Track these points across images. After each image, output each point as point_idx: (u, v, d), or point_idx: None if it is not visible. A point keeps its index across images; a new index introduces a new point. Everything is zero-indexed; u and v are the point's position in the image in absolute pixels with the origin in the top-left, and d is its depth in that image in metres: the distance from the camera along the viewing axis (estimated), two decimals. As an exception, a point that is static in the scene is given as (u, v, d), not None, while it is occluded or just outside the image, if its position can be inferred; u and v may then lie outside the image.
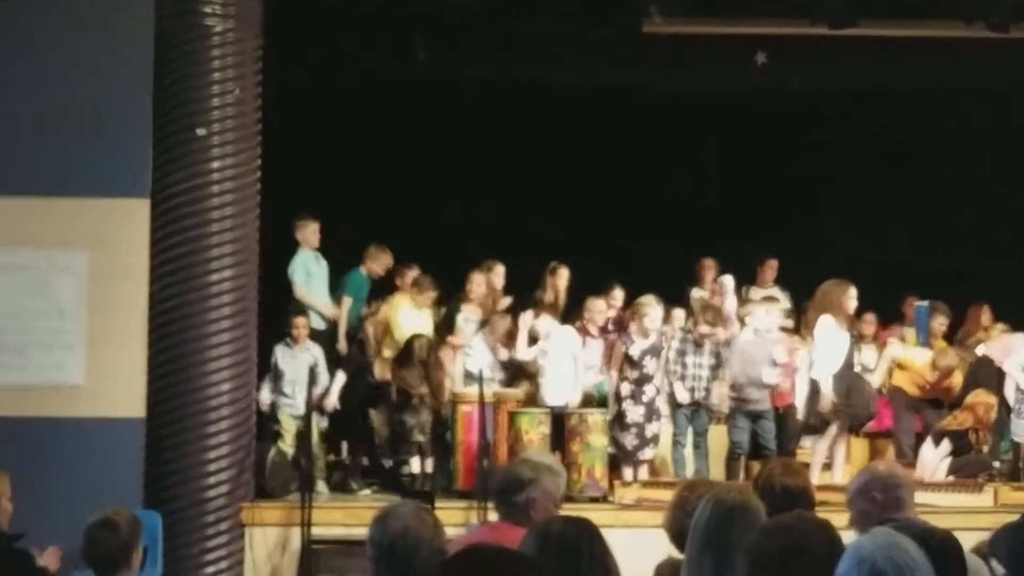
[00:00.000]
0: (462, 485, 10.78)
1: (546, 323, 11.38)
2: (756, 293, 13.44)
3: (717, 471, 11.36)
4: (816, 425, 11.10)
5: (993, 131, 14.52)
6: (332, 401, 11.28)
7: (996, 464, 11.76)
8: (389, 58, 13.45)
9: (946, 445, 11.20)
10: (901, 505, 5.05)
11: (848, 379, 11.02)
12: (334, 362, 11.58)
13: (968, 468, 11.19)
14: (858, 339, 12.27)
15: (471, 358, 11.38)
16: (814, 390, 11.04)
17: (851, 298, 10.96)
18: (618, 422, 11.04)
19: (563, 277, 12.25)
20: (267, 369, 11.13)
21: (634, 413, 11.06)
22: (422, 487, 10.79)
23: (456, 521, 9.37)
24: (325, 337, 11.80)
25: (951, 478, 11.10)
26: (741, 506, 4.48)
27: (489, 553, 2.82)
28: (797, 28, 12.69)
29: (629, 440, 11.02)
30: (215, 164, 10.17)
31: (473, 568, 2.63)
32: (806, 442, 11.48)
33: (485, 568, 2.62)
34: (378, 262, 12.06)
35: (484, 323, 11.83)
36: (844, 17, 11.94)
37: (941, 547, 4.01)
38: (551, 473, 5.37)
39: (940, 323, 12.66)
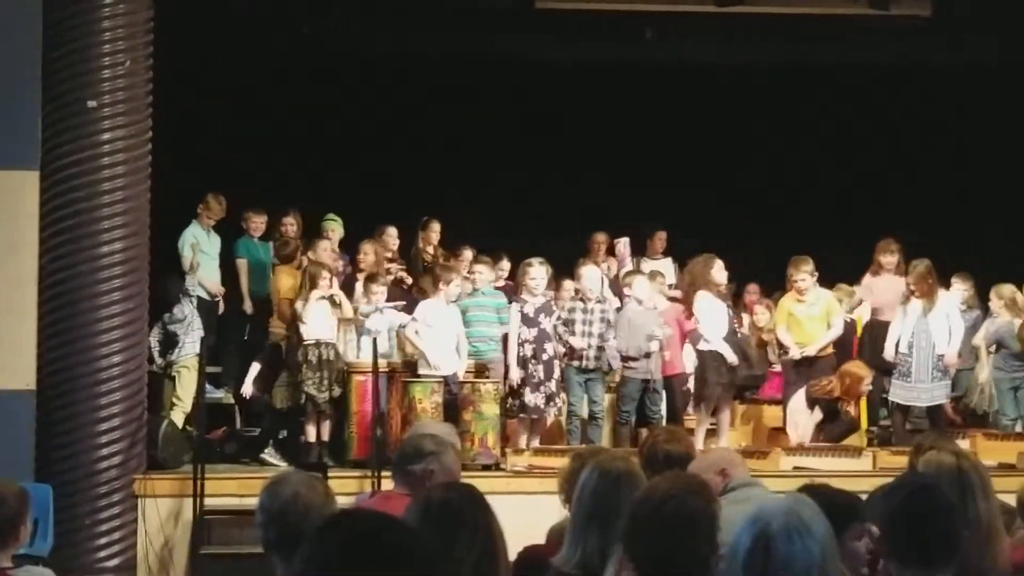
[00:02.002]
0: (356, 454, 10.84)
1: (426, 305, 11.41)
2: (646, 264, 13.64)
3: (606, 441, 11.52)
4: (700, 391, 11.37)
5: (874, 105, 14.84)
6: (247, 389, 11.34)
7: (874, 428, 12.08)
8: (282, 30, 13.41)
9: (818, 412, 11.46)
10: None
11: (737, 345, 11.31)
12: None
13: (831, 431, 11.47)
14: (742, 308, 12.55)
15: (364, 328, 11.42)
16: (709, 360, 11.30)
17: (718, 271, 11.25)
18: (523, 383, 11.16)
19: (435, 231, 12.83)
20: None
21: (536, 371, 11.20)
22: (319, 457, 10.84)
23: (350, 490, 9.43)
24: (213, 306, 11.89)
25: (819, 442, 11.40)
26: (626, 474, 4.59)
27: (363, 518, 2.82)
28: (685, 5, 12.86)
29: (535, 399, 11.16)
30: (106, 136, 10.10)
31: (345, 532, 2.66)
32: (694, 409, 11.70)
33: (358, 533, 2.65)
34: (210, 211, 12.14)
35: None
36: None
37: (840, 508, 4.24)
38: (453, 451, 5.43)
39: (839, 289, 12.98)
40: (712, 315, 11.34)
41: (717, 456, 5.03)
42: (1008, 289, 12.12)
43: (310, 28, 13.23)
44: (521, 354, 11.24)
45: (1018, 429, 11.67)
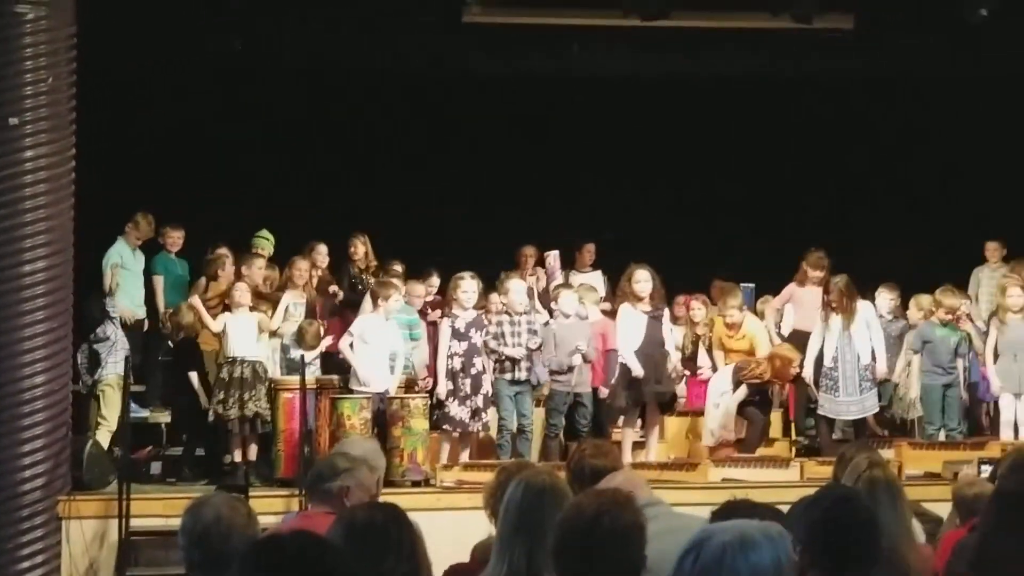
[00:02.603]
0: (284, 473, 10.78)
1: (364, 320, 11.38)
2: (575, 277, 13.68)
3: (536, 454, 11.54)
4: (624, 406, 11.40)
5: (798, 116, 14.99)
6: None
7: (801, 438, 12.17)
8: (213, 44, 13.33)
9: (741, 391, 11.50)
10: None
11: (651, 357, 11.32)
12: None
13: (750, 441, 11.54)
14: (675, 320, 12.60)
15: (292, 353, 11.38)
16: (621, 372, 11.36)
17: (637, 281, 11.32)
18: (450, 397, 11.16)
19: (321, 254, 12.71)
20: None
21: (464, 385, 11.19)
22: (245, 477, 10.77)
23: (277, 509, 9.37)
24: (138, 325, 11.84)
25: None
26: (551, 489, 4.59)
27: (292, 539, 2.83)
28: (611, 20, 12.93)
29: (461, 413, 11.15)
30: (28, 154, 9.98)
31: (274, 554, 2.67)
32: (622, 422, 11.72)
33: (286, 555, 2.65)
34: (138, 230, 12.06)
35: (311, 308, 11.92)
36: (656, 9, 12.19)
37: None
38: (367, 466, 5.42)
39: (764, 301, 13.09)
40: (628, 327, 11.37)
41: (622, 479, 5.07)
42: (927, 299, 12.28)
43: (241, 43, 13.14)
44: (450, 367, 11.23)
45: (942, 438, 11.79)
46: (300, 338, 11.54)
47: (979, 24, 12.10)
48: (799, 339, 12.11)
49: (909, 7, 13.03)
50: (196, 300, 11.55)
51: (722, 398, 11.58)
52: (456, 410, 11.16)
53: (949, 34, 13.17)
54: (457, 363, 11.24)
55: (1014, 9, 12.16)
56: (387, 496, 8.86)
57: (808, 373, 11.75)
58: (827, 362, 11.70)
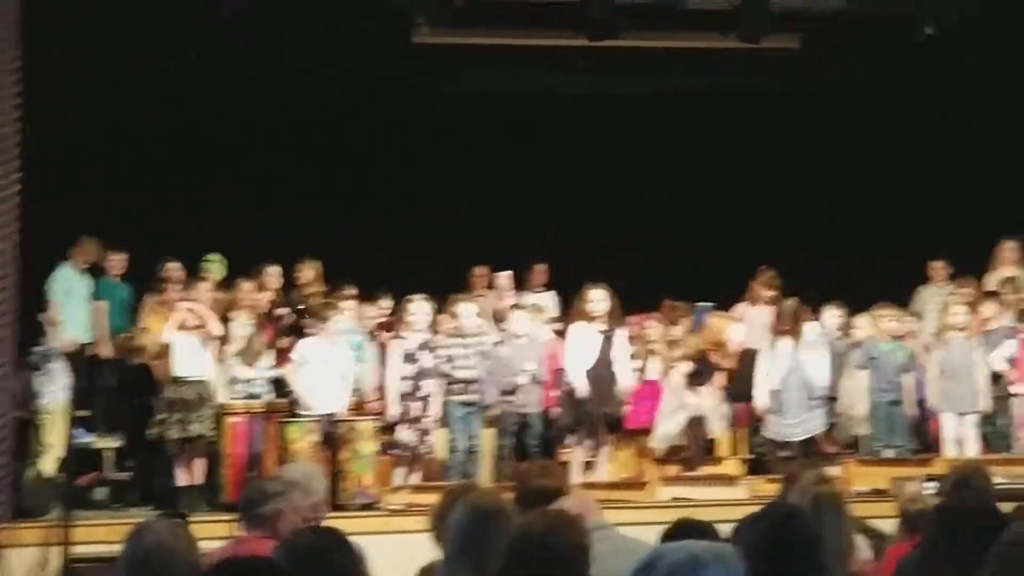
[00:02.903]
0: (230, 497, 10.67)
1: (306, 344, 11.32)
2: (527, 297, 13.67)
3: (487, 475, 11.51)
4: (571, 425, 11.39)
5: (745, 134, 15.06)
6: None
7: (749, 456, 12.19)
8: (155, 67, 13.25)
9: (685, 366, 11.48)
10: None
11: (599, 376, 11.31)
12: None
13: (693, 458, 11.55)
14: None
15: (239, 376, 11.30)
16: (568, 391, 11.35)
17: (590, 301, 11.32)
18: (399, 419, 11.12)
19: (272, 275, 12.61)
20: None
21: (414, 408, 11.16)
22: (190, 503, 10.67)
23: (222, 534, 9.25)
24: (82, 349, 11.72)
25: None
26: (496, 510, 4.60)
27: (244, 564, 2.82)
28: (561, 40, 12.96)
29: (410, 435, 11.11)
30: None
31: None
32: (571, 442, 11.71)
33: None
34: (85, 253, 11.96)
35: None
36: (606, 29, 12.23)
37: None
38: (300, 489, 5.40)
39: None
40: (579, 345, 11.36)
41: (573, 502, 5.08)
42: (868, 318, 12.36)
43: (190, 61, 13.08)
44: (400, 390, 11.19)
45: (890, 455, 11.85)
46: (245, 351, 11.42)
47: (924, 42, 12.21)
48: (748, 358, 12.13)
49: (855, 26, 13.13)
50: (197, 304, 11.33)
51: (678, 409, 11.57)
52: (405, 432, 11.12)
53: (895, 52, 13.28)
54: (407, 386, 11.21)
55: (959, 27, 12.28)
56: (334, 519, 8.79)
57: (763, 401, 11.76)
58: (774, 384, 11.73)
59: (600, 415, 11.34)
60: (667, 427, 11.57)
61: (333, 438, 10.81)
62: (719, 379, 12.12)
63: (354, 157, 14.70)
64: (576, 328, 11.41)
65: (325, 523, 5.65)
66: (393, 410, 11.16)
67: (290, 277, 12.90)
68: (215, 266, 12.51)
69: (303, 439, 10.62)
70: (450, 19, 12.46)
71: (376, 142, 14.76)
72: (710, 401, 11.84)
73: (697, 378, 11.62)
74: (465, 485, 6.66)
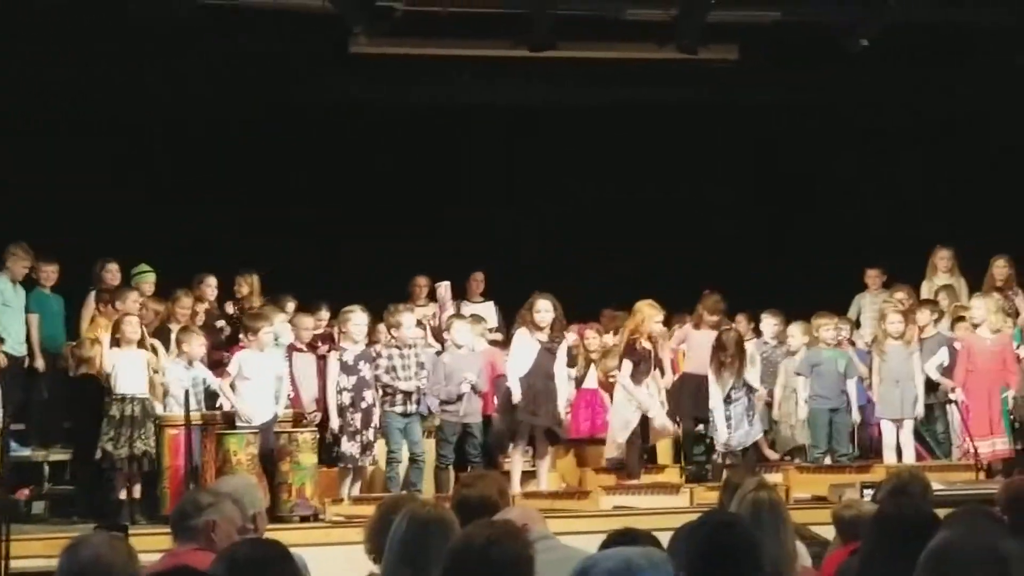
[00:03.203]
0: (169, 510, 10.55)
1: (239, 356, 11.26)
2: (467, 307, 13.67)
3: (428, 484, 11.50)
4: (504, 432, 11.39)
5: (684, 144, 15.13)
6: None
7: (690, 466, 12.24)
8: (86, 75, 13.14)
9: (627, 366, 11.52)
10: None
11: (534, 386, 11.32)
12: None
13: (631, 466, 11.56)
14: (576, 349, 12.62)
15: (174, 379, 11.21)
16: (503, 397, 11.40)
17: (538, 311, 11.32)
18: (340, 431, 11.07)
19: (210, 286, 12.52)
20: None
21: (354, 420, 11.11)
22: (128, 515, 10.59)
23: (163, 547, 9.15)
24: (20, 361, 11.58)
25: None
26: (437, 520, 4.59)
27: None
28: (499, 50, 12.99)
29: (351, 447, 11.07)
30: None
31: None
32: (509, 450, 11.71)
33: None
34: (17, 264, 11.84)
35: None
36: (545, 40, 12.25)
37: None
38: (232, 499, 5.37)
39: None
40: (521, 353, 11.38)
41: (517, 512, 5.08)
42: (804, 326, 12.45)
43: (125, 68, 12.99)
44: (340, 402, 11.15)
45: (828, 462, 11.94)
46: (182, 353, 11.33)
47: (859, 53, 12.33)
48: (692, 382, 12.15)
49: (791, 38, 13.24)
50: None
51: (630, 417, 11.58)
52: (347, 445, 11.08)
53: (830, 63, 13.40)
54: (347, 398, 11.17)
55: (893, 39, 12.40)
56: (275, 531, 8.76)
57: (724, 436, 11.72)
58: (722, 409, 11.81)
59: (537, 425, 11.33)
60: (624, 437, 11.56)
61: (273, 450, 10.76)
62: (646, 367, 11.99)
63: (291, 167, 14.64)
64: (522, 334, 11.42)
65: (265, 535, 5.65)
66: (334, 422, 11.12)
67: (229, 289, 12.83)
68: (146, 276, 12.40)
69: (243, 451, 10.56)
70: (388, 29, 12.44)
71: (314, 152, 14.71)
72: (650, 393, 11.77)
73: (639, 375, 11.59)
74: (400, 496, 6.65)
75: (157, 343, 11.40)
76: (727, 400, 11.72)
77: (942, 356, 12.32)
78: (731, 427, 11.70)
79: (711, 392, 11.79)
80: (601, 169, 15.14)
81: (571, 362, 12.26)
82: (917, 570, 3.14)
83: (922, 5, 11.88)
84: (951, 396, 12.07)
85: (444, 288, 13.56)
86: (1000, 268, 13.05)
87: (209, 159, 14.33)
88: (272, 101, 14.18)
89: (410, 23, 12.58)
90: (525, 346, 11.36)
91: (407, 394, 11.30)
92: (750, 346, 12.25)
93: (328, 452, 11.47)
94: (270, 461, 10.72)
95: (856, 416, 12.27)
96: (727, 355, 11.72)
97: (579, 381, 12.58)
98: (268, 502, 9.83)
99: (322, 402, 11.62)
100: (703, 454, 12.20)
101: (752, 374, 11.91)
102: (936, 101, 14.48)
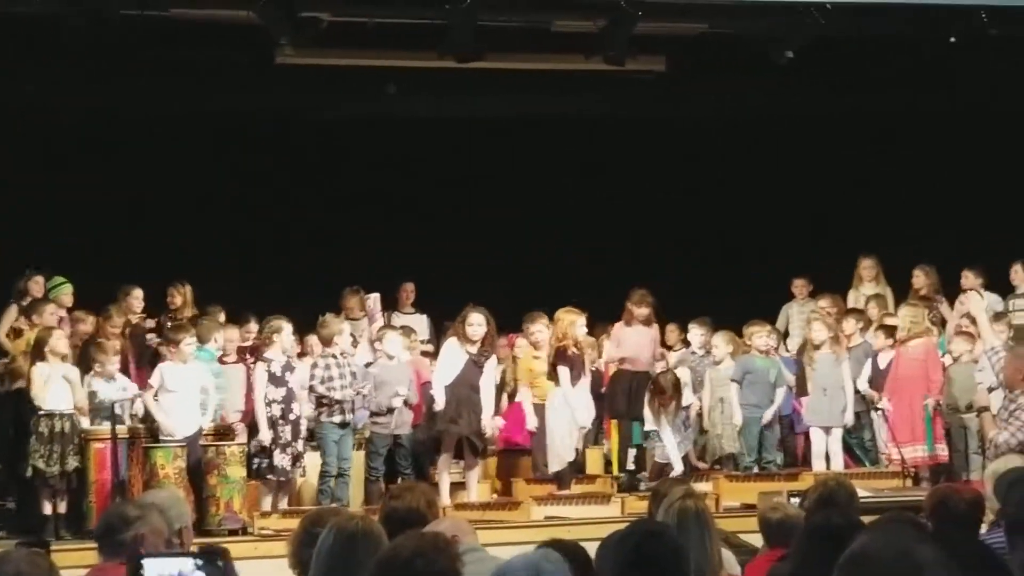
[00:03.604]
0: (95, 525, 10.45)
1: (162, 369, 11.18)
2: (397, 318, 13.64)
3: (355, 497, 11.46)
4: (423, 439, 11.35)
5: (614, 155, 15.19)
6: None
7: (622, 475, 12.26)
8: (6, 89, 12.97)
9: (564, 373, 11.49)
10: None
11: (457, 395, 11.30)
12: None
13: (563, 477, 11.56)
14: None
15: (101, 393, 11.09)
16: (429, 407, 11.38)
17: (470, 324, 11.33)
18: (273, 443, 10.99)
19: (137, 299, 12.47)
20: None
21: (284, 432, 11.05)
22: (55, 530, 10.45)
23: (89, 562, 9.03)
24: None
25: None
26: (363, 533, 4.58)
27: None
28: (425, 61, 12.97)
29: (282, 460, 11.00)
30: None
31: None
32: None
33: None
34: None
35: (124, 356, 11.68)
36: (471, 51, 12.23)
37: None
38: (158, 511, 5.32)
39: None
40: (448, 362, 11.36)
41: (447, 524, 5.08)
42: (728, 336, 12.54)
43: (35, 86, 12.84)
44: (270, 414, 11.08)
45: (758, 470, 12.02)
46: (102, 369, 11.21)
47: (785, 65, 12.42)
48: (625, 379, 12.20)
49: (718, 49, 13.33)
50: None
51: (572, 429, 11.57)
52: (278, 458, 11.00)
53: (757, 75, 13.49)
54: (276, 409, 11.10)
55: (818, 50, 12.50)
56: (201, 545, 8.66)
57: (677, 466, 11.77)
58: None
59: (457, 435, 11.29)
60: (565, 443, 11.53)
61: (201, 463, 10.67)
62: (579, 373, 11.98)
63: (218, 178, 14.54)
64: (452, 343, 11.39)
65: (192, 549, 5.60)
66: (265, 435, 11.04)
67: (162, 301, 12.73)
68: (62, 288, 12.23)
69: (170, 464, 10.48)
70: (314, 40, 12.38)
71: (241, 163, 14.62)
72: (583, 397, 11.78)
73: (573, 380, 11.59)
74: (324, 510, 6.62)
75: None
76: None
77: (871, 365, 12.43)
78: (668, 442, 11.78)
79: (646, 421, 11.84)
80: (529, 180, 15.14)
81: (502, 386, 12.29)
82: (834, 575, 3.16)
83: (845, 17, 11.97)
84: (877, 405, 12.19)
85: (373, 300, 13.51)
86: (917, 278, 13.26)
87: (135, 169, 14.20)
88: (198, 111, 14.06)
89: (336, 34, 12.52)
90: (453, 356, 11.36)
91: (340, 404, 11.24)
92: (676, 356, 12.29)
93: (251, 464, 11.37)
94: (198, 474, 10.63)
95: (778, 426, 12.35)
96: (665, 398, 11.80)
97: (512, 396, 12.57)
98: (195, 516, 9.77)
99: (250, 414, 11.51)
100: (635, 463, 12.19)
101: (685, 392, 11.97)
102: (860, 111, 14.63)
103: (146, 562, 4.40)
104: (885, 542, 3.20)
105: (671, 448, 11.78)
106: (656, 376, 12.00)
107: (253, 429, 11.30)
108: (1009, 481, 4.83)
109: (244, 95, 13.98)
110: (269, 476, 11.00)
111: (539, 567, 3.31)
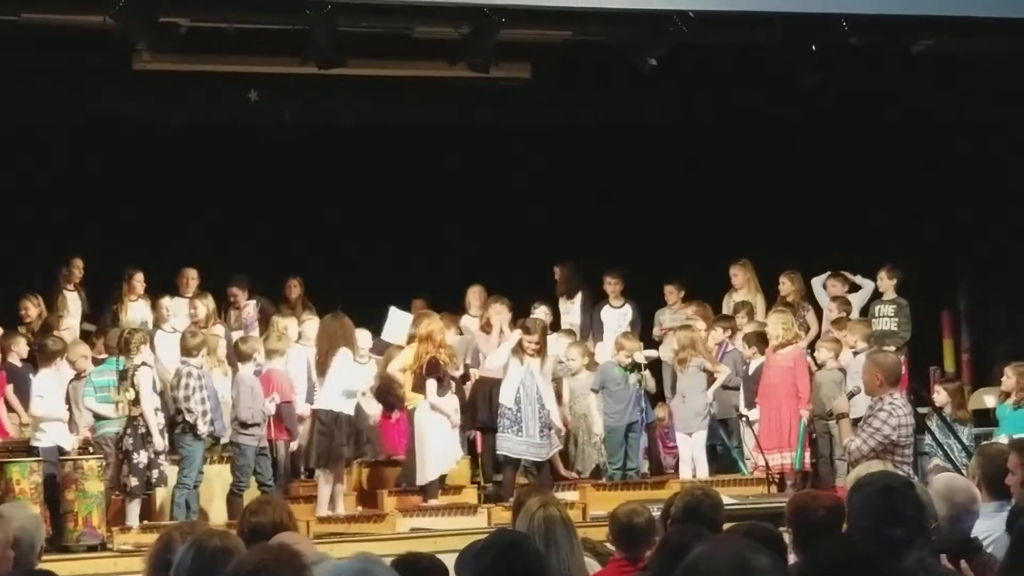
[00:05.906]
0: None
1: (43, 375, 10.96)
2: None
3: (219, 510, 11.27)
4: (320, 454, 11.24)
5: (481, 162, 15.14)
6: None
7: (488, 485, 12.20)
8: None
9: (432, 386, 11.45)
10: None
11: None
12: None
13: (429, 489, 11.49)
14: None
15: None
16: (315, 421, 11.25)
17: (363, 335, 11.25)
18: (126, 460, 10.77)
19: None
20: None
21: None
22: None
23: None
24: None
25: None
26: (222, 549, 4.51)
27: None
28: (287, 67, 12.83)
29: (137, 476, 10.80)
30: None
31: None
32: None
33: None
34: None
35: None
36: (332, 57, 12.10)
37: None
38: (4, 522, 5.17)
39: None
40: (342, 374, 11.23)
41: (287, 538, 5.00)
42: (582, 347, 12.59)
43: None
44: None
45: (623, 478, 12.05)
46: None
47: (648, 72, 12.47)
48: (485, 387, 12.19)
49: (583, 56, 13.36)
50: None
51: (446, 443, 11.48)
52: (128, 474, 10.79)
53: (621, 82, 13.54)
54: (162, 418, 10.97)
55: (680, 58, 12.59)
56: (61, 562, 8.52)
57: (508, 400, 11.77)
58: (508, 402, 11.76)
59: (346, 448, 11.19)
60: (448, 452, 11.44)
61: (56, 478, 10.43)
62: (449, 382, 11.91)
63: (75, 184, 14.23)
64: (342, 356, 11.26)
65: (44, 566, 5.46)
66: (159, 443, 10.81)
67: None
68: None
69: (26, 479, 10.27)
70: (173, 46, 12.15)
71: (98, 169, 14.31)
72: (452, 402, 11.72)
73: (442, 390, 11.51)
74: (183, 524, 6.52)
75: None
76: (518, 403, 11.68)
77: (726, 372, 12.53)
78: (520, 432, 11.68)
79: (510, 377, 11.75)
80: (396, 187, 15.04)
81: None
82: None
83: (709, 26, 12.08)
84: (742, 412, 12.29)
85: (251, 308, 13.32)
86: (783, 284, 13.43)
87: (9, 178, 13.84)
88: (56, 118, 13.74)
89: (195, 40, 12.33)
90: (346, 368, 11.28)
91: (204, 417, 11.04)
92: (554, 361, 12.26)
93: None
94: (54, 488, 10.38)
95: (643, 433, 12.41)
96: (531, 340, 11.73)
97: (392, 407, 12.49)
98: (51, 531, 9.59)
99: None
100: (498, 471, 12.13)
101: (546, 393, 11.91)
102: (727, 118, 14.74)
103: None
104: (719, 551, 3.22)
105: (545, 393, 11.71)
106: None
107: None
108: (852, 487, 4.88)
109: (101, 102, 13.69)
110: (129, 489, 10.73)
111: (365, 570, 3.32)
